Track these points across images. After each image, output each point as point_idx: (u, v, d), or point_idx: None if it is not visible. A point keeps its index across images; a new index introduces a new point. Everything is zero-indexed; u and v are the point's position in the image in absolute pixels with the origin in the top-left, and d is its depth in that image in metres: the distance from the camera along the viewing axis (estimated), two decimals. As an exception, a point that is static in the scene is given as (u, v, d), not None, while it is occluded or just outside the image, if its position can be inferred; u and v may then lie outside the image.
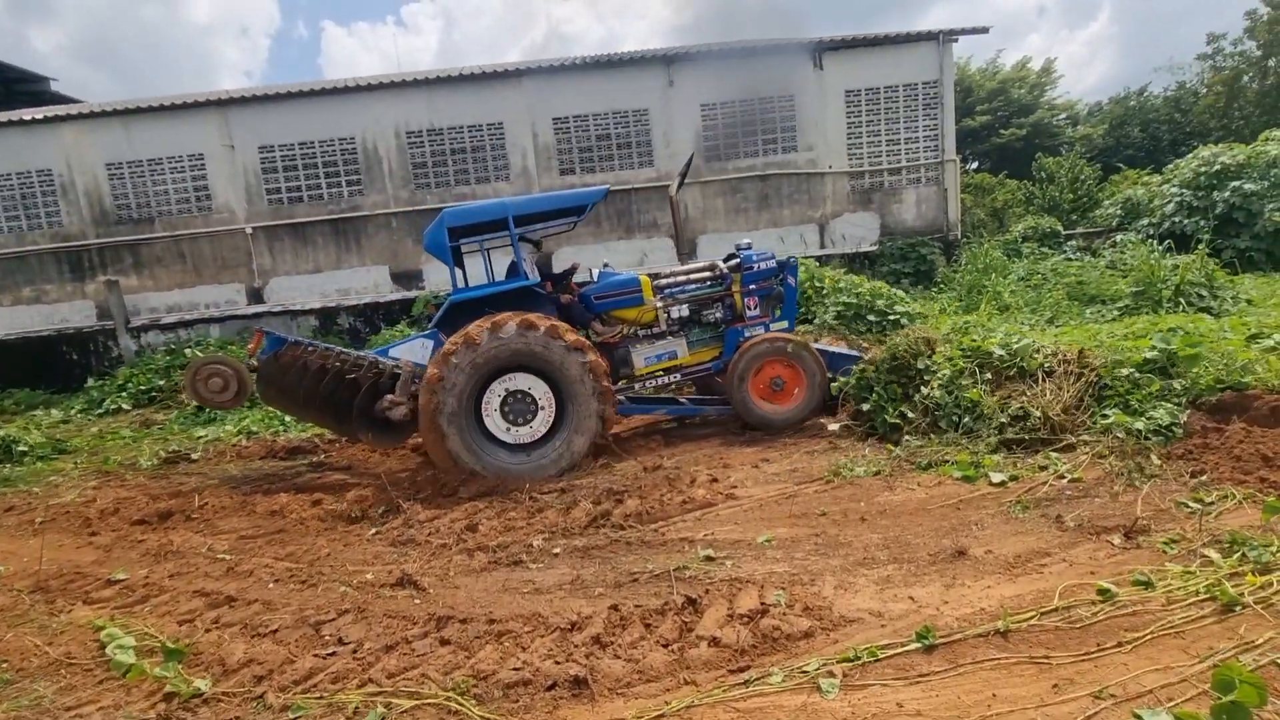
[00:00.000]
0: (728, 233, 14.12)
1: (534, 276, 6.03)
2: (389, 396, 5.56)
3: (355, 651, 2.93)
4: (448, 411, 5.12)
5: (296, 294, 14.05)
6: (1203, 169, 12.91)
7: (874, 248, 13.82)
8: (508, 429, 5.34)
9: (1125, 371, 4.75)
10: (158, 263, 13.94)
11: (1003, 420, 4.74)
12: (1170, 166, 14.39)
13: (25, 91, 22.65)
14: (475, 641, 2.90)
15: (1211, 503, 3.50)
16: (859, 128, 14.04)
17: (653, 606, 3.02)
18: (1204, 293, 8.17)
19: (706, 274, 6.40)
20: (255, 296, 14.05)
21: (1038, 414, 4.65)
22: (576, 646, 2.75)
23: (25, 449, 7.86)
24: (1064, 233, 14.25)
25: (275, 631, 3.22)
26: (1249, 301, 8.28)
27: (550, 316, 5.45)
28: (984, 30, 13.90)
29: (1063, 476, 4.07)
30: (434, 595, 3.43)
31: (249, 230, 13.86)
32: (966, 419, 4.93)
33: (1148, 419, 4.37)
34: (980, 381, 5.17)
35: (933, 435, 4.95)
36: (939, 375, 5.41)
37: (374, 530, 4.47)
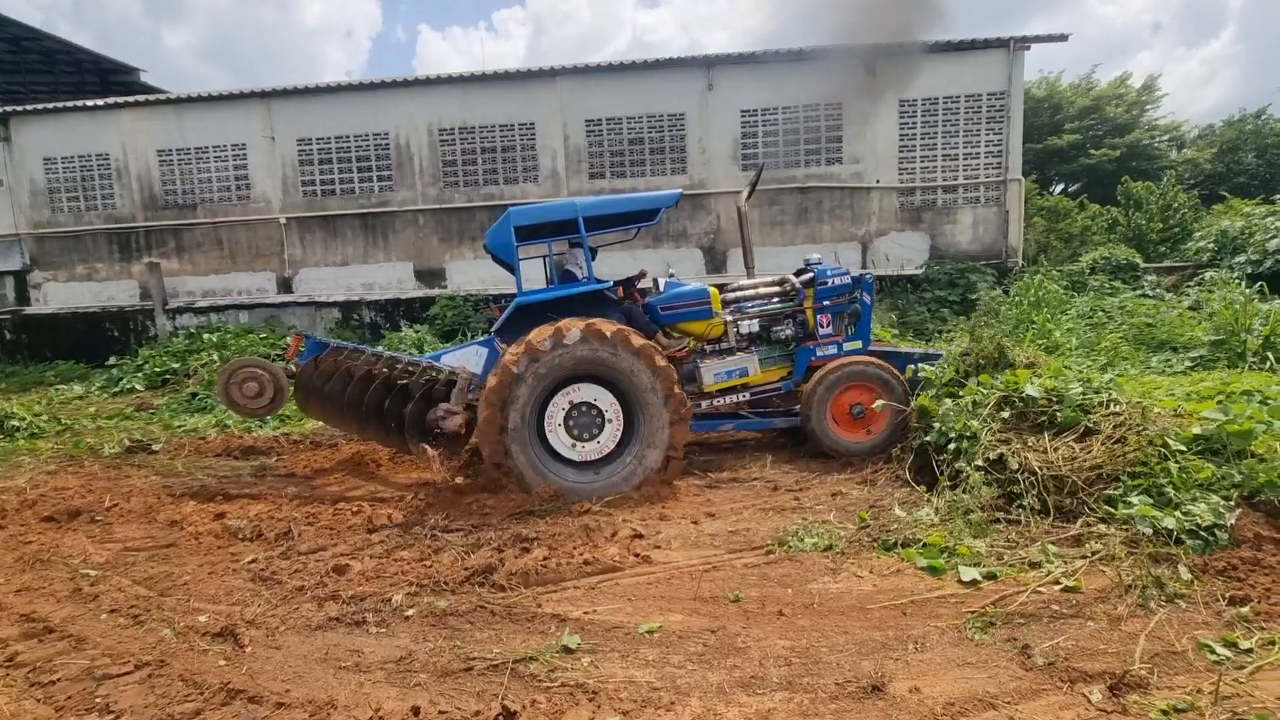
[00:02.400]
0: (761, 246, 13.25)
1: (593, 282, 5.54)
2: (443, 405, 5.18)
3: (109, 727, 2.45)
4: (510, 426, 4.67)
5: (323, 285, 14.15)
6: (1317, 201, 11.12)
7: (920, 270, 12.66)
8: (573, 444, 4.88)
9: (1166, 445, 3.76)
10: (197, 248, 14.34)
11: (991, 477, 3.86)
12: (1278, 196, 12.55)
13: (119, 82, 24.18)
14: (237, 735, 2.36)
15: (1248, 649, 2.57)
16: (913, 140, 12.94)
17: (459, 716, 2.39)
18: (1300, 348, 6.82)
19: (777, 288, 6.05)
20: (284, 286, 14.23)
21: (1042, 475, 3.75)
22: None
23: (18, 425, 7.97)
24: (1143, 265, 12.64)
25: (55, 683, 2.78)
26: (1357, 362, 6.86)
27: (617, 323, 5.02)
28: (1062, 38, 12.54)
29: (1057, 582, 3.18)
30: (247, 656, 2.92)
31: (283, 220, 14.06)
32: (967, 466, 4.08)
33: (1183, 514, 3.40)
34: (995, 422, 4.26)
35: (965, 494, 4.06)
36: (949, 409, 4.57)
37: (251, 558, 4.02)
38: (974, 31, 12.64)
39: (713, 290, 5.79)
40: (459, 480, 5.10)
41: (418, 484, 5.57)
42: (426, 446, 5.11)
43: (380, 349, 5.67)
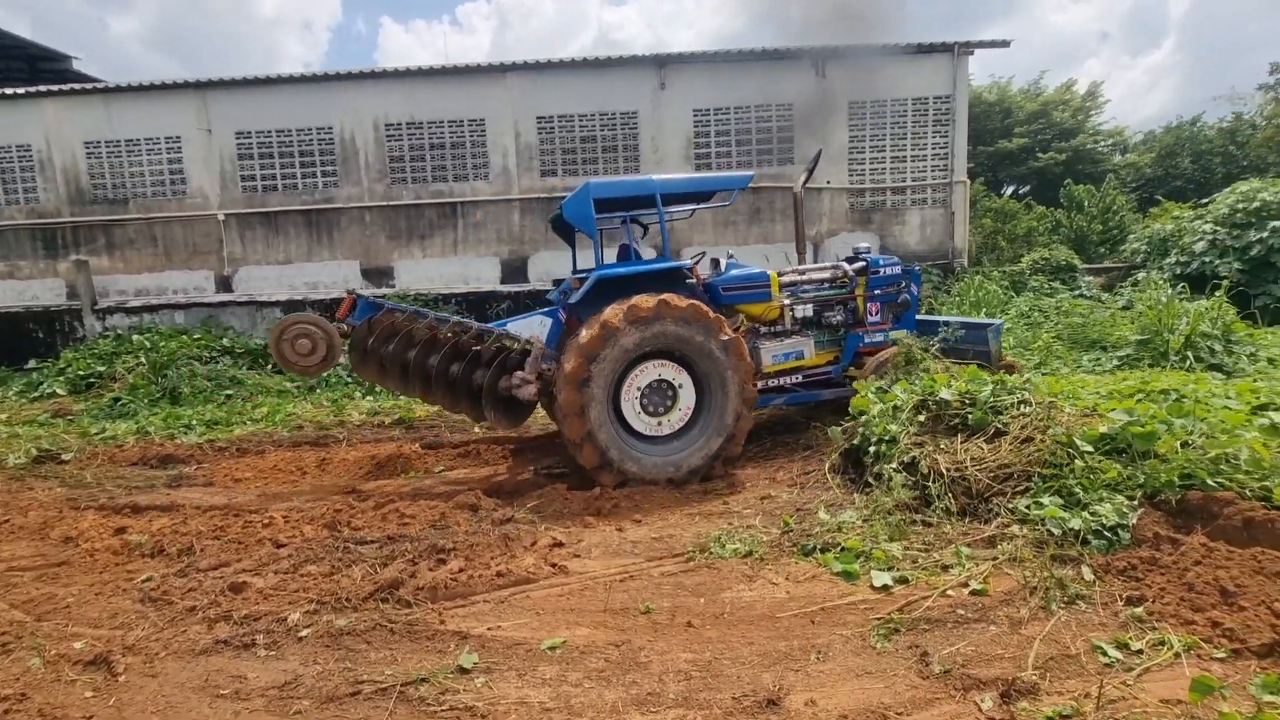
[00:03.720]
0: (715, 246, 13.28)
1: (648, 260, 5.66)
2: (519, 374, 5.12)
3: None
4: (595, 404, 4.79)
5: (265, 284, 13.67)
6: (1240, 204, 11.63)
7: (868, 271, 12.81)
8: (646, 420, 5.08)
9: (1074, 445, 3.82)
10: (129, 245, 13.69)
11: (904, 480, 3.88)
12: (1207, 201, 13.10)
13: (49, 70, 22.94)
14: (87, 777, 2.18)
15: (1138, 651, 2.60)
16: (862, 142, 13.10)
17: (335, 746, 2.26)
18: (1217, 346, 7.08)
19: (830, 275, 6.23)
20: (224, 285, 13.70)
21: (949, 477, 3.78)
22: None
23: (-82, 434, 7.47)
24: (1081, 266, 13.04)
25: (-103, 723, 2.55)
26: (1270, 361, 7.16)
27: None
28: (1004, 44, 12.85)
29: (966, 585, 3.19)
30: (118, 686, 2.73)
31: (221, 217, 13.52)
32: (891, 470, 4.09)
33: (1089, 515, 3.45)
34: (913, 425, 4.30)
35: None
36: (872, 413, 4.60)
37: (146, 577, 3.80)
38: (924, 36, 12.84)
39: (772, 274, 5.92)
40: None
41: (345, 491, 5.39)
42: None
43: (444, 314, 5.59)
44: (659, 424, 5.12)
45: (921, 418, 4.32)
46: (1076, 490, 3.63)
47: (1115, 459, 3.75)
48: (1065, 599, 2.99)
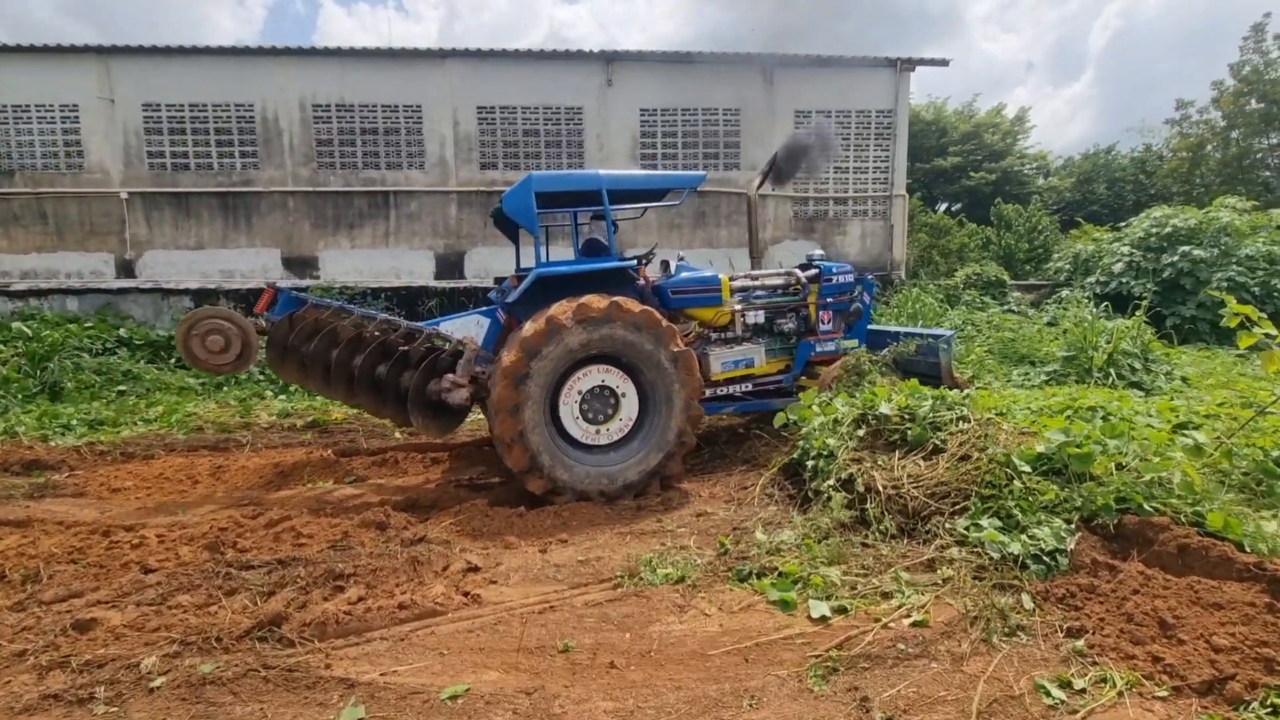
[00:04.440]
0: (661, 249, 13.07)
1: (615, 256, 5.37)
2: (449, 377, 4.79)
3: None
4: (531, 402, 4.45)
5: (173, 270, 12.59)
6: (1154, 229, 12.30)
7: (809, 280, 12.90)
8: (584, 427, 4.77)
9: (1012, 464, 3.74)
10: (15, 221, 12.36)
11: (843, 498, 3.71)
12: (1124, 225, 13.81)
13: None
14: None
15: (1082, 690, 2.47)
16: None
17: (168, 838, 1.84)
18: (1137, 365, 7.34)
19: (783, 281, 6.05)
20: (125, 269, 12.54)
21: (885, 495, 3.63)
22: None
23: None
24: (1009, 282, 13.51)
25: None
26: (1184, 379, 7.47)
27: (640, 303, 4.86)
28: (943, 62, 13.18)
29: (908, 614, 3.01)
30: (-96, 760, 2.21)
31: (124, 195, 12.38)
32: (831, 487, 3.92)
33: (1028, 539, 3.35)
34: (852, 440, 4.15)
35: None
36: (812, 426, 4.43)
37: (-25, 610, 3.21)
38: (868, 52, 13.06)
39: (724, 278, 5.72)
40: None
41: (239, 504, 4.83)
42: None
43: (372, 310, 5.15)
44: (597, 432, 4.83)
45: (861, 432, 4.17)
46: (1015, 512, 3.53)
47: (1052, 479, 3.68)
48: (1006, 630, 2.85)
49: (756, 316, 5.88)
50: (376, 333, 5.03)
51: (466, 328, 5.26)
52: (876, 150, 13.24)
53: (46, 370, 8.47)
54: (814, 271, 6.07)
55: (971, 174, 28.83)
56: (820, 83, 13.04)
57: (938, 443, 4.05)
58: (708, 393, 5.50)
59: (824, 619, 3.02)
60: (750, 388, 5.82)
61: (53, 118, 12.20)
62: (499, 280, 6.12)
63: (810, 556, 3.55)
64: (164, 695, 2.53)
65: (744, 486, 4.80)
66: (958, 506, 3.70)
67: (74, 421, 7.10)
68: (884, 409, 4.21)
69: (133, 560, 3.74)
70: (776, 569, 3.45)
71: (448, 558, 3.69)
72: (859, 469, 4.04)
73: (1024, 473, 3.69)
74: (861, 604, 3.13)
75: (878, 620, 2.97)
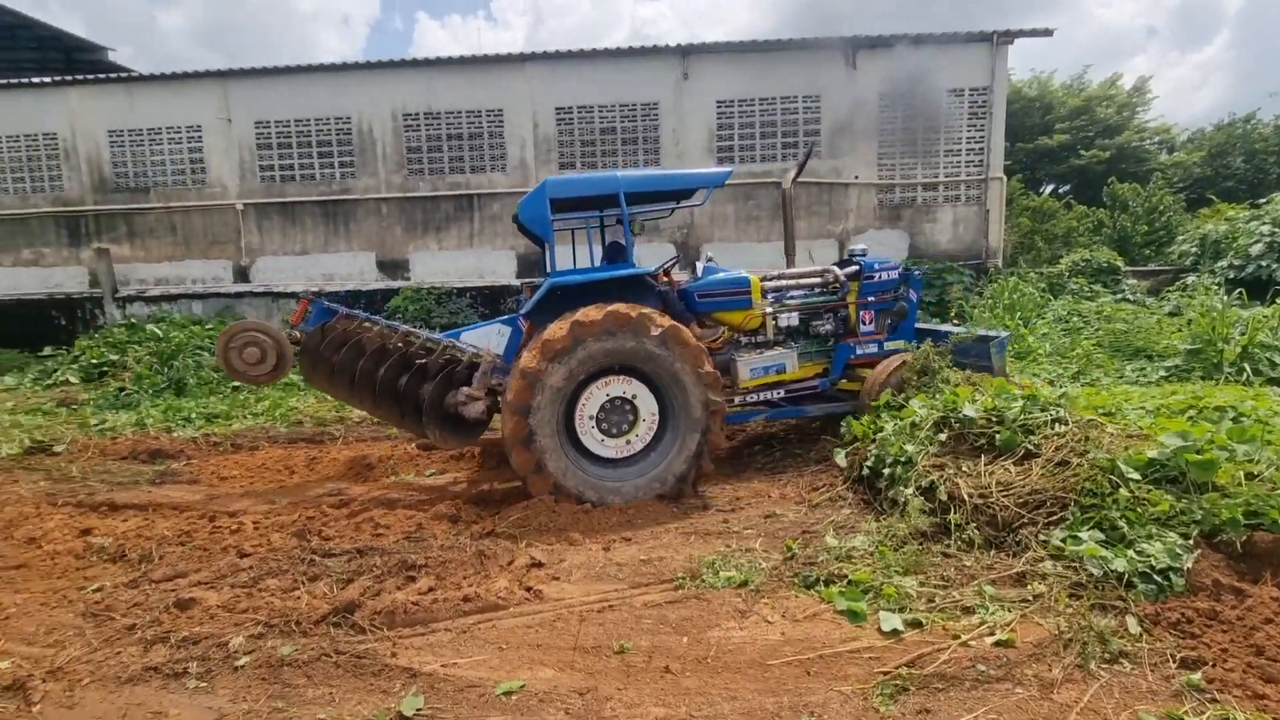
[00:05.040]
0: (736, 243, 12.88)
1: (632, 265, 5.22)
2: (465, 390, 4.82)
3: None
4: (542, 415, 4.33)
5: (282, 275, 13.63)
6: (1304, 206, 10.80)
7: (895, 271, 12.26)
8: (602, 440, 4.58)
9: (1118, 471, 3.36)
10: (150, 234, 13.77)
11: (922, 505, 3.47)
12: (1265, 201, 12.23)
13: (85, 60, 23.35)
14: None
15: (1196, 731, 2.17)
16: (892, 135, 12.52)
17: (238, 811, 1.95)
18: (1277, 359, 6.46)
19: (820, 280, 5.65)
20: (241, 275, 13.70)
21: (970, 504, 3.36)
22: None
23: (-75, 420, 7.47)
24: (1124, 269, 12.28)
25: None
26: (1340, 376, 6.50)
27: (662, 312, 4.67)
28: (1046, 33, 12.14)
29: (991, 632, 2.77)
30: (30, 717, 2.47)
31: (240, 207, 13.51)
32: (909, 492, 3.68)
33: (1136, 554, 3.00)
34: (932, 445, 3.88)
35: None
36: (887, 431, 4.19)
37: (97, 586, 3.57)
38: (962, 25, 12.22)
39: (754, 279, 5.45)
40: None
41: (328, 494, 5.14)
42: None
43: (396, 322, 5.35)
44: (614, 444, 4.64)
45: (942, 436, 3.89)
46: (1120, 524, 3.18)
47: (1166, 489, 3.29)
48: (1106, 656, 2.56)
49: (790, 319, 5.53)
50: (399, 344, 5.09)
51: (488, 337, 5.24)
52: (971, 130, 12.39)
53: (172, 368, 9.37)
54: (854, 269, 5.65)
55: (1081, 152, 26.52)
56: (909, 62, 12.35)
57: (1030, 447, 3.71)
58: (736, 401, 5.27)
59: (895, 633, 2.82)
60: (783, 394, 5.47)
61: (180, 139, 13.48)
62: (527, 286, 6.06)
63: (884, 565, 3.34)
64: (246, 674, 2.71)
65: (815, 488, 4.60)
66: (1053, 517, 3.38)
67: (194, 415, 7.81)
68: (968, 411, 3.91)
69: (231, 545, 4.04)
70: (846, 576, 3.27)
71: (513, 552, 3.75)
72: (940, 476, 3.77)
73: (1132, 480, 3.31)
74: (939, 618, 2.90)
75: (956, 637, 2.75)
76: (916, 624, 2.88)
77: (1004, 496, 3.53)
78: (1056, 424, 3.69)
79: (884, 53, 12.52)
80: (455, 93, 13.07)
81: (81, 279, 13.85)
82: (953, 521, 3.56)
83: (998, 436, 3.81)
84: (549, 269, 4.95)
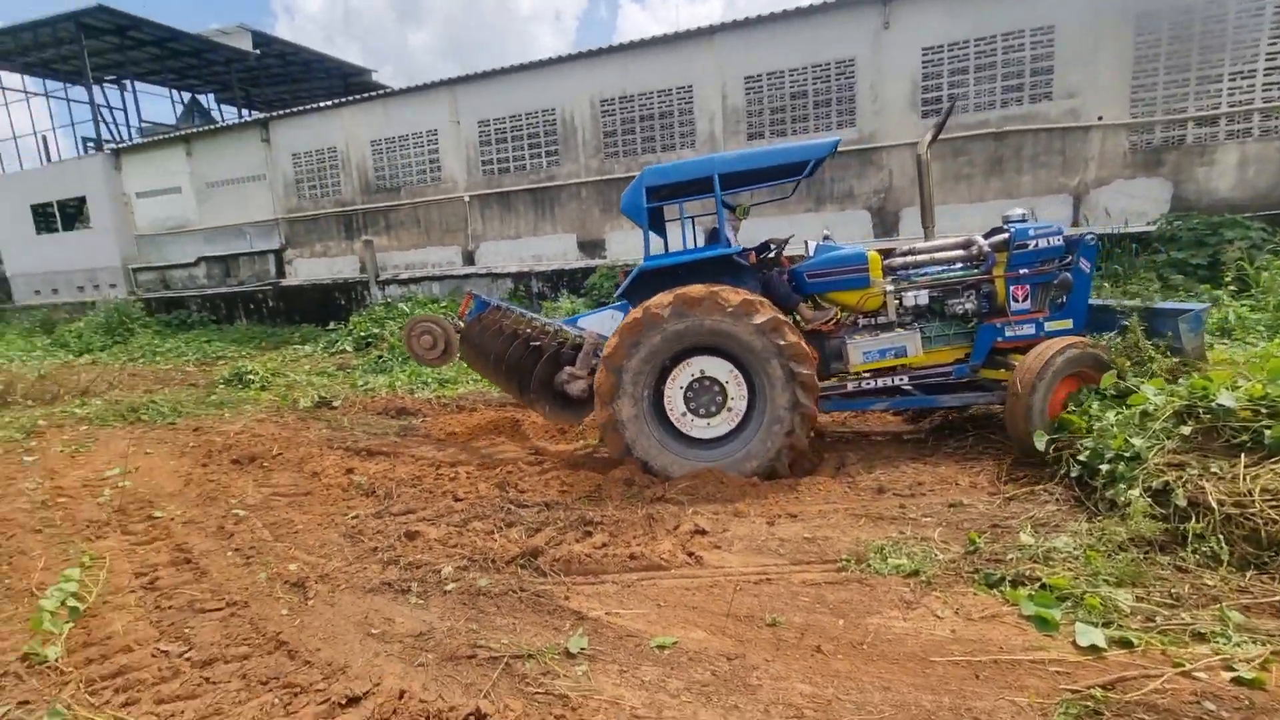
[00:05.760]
0: (943, 204, 11.60)
1: (735, 244, 5.45)
2: (568, 369, 5.43)
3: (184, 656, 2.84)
4: (625, 394, 4.66)
5: (499, 258, 15.30)
6: None
7: (1152, 226, 10.13)
8: (690, 419, 4.75)
9: None
10: (401, 226, 16.28)
11: (1148, 507, 2.93)
12: None
13: (355, 83, 28.21)
14: (260, 688, 2.59)
15: None
16: (1153, 61, 10.28)
17: (437, 707, 2.37)
18: None
19: (958, 253, 5.09)
20: (468, 259, 15.64)
21: (1220, 514, 2.76)
22: (305, 737, 2.26)
23: (253, 378, 9.78)
24: None
25: (168, 609, 3.30)
26: None
27: (749, 291, 4.78)
28: None
29: (1229, 667, 2.31)
30: (306, 609, 3.21)
31: (466, 198, 15.38)
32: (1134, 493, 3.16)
33: None
34: (1171, 440, 3.26)
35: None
36: (1109, 421, 3.62)
37: (355, 514, 4.45)
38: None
39: (872, 255, 5.07)
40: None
41: (529, 453, 5.77)
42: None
43: (525, 310, 6.08)
44: (701, 424, 4.71)
45: (1185, 429, 3.23)
46: None
47: None
48: (1405, 721, 1.99)
49: (917, 297, 4.99)
50: (527, 330, 5.71)
51: (603, 323, 5.55)
52: (1271, 43, 9.70)
53: (415, 340, 11.11)
54: (1001, 237, 4.88)
55: None
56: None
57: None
58: (850, 386, 4.97)
59: (1094, 649, 2.47)
60: (907, 380, 4.97)
61: (422, 142, 15.67)
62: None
63: (1090, 572, 2.91)
64: (452, 597, 3.22)
65: (1013, 479, 4.11)
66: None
67: (430, 380, 9.21)
68: (1224, 400, 3.18)
69: (448, 490, 4.76)
70: (1040, 579, 2.91)
71: (679, 518, 3.92)
72: (1179, 476, 3.15)
73: None
74: (1158, 641, 2.48)
75: (1178, 665, 2.33)
76: (1125, 643, 2.49)
77: (1272, 508, 2.86)
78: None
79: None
80: (647, 74, 13.43)
81: (354, 266, 16.90)
82: (1191, 531, 2.97)
83: (1268, 433, 3.07)
84: (645, 254, 4.99)
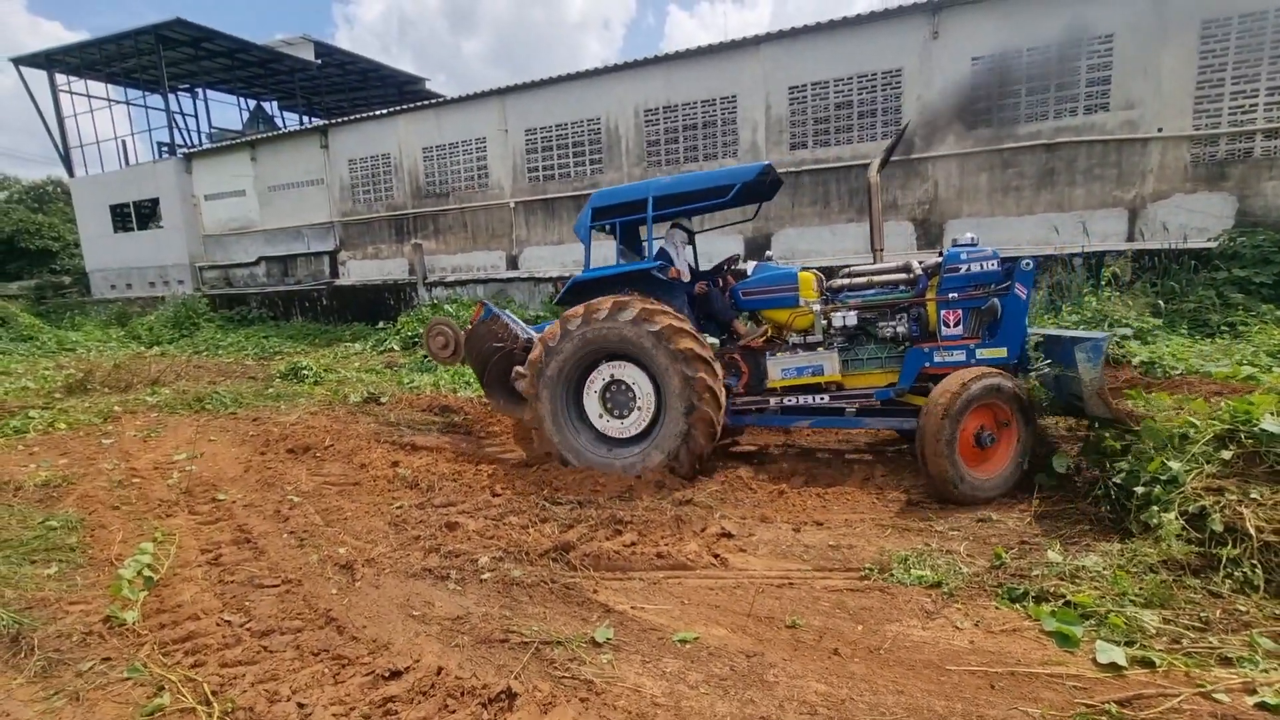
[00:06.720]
0: (990, 217, 11.45)
1: (681, 264, 5.96)
2: (517, 368, 5.93)
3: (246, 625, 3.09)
4: (544, 396, 5.19)
5: (542, 263, 15.64)
6: None
7: (1213, 243, 9.75)
8: (605, 420, 5.18)
9: None
10: (449, 230, 16.80)
11: (1182, 529, 2.91)
12: None
13: (410, 91, 29.19)
14: (311, 658, 2.81)
15: None
16: (1219, 70, 9.92)
17: (471, 684, 2.54)
18: None
19: (899, 275, 5.15)
20: (512, 263, 16.03)
21: (1259, 540, 2.72)
22: (352, 708, 2.45)
23: (307, 373, 10.27)
24: None
25: (230, 583, 3.58)
26: None
27: (658, 302, 5.04)
28: None
29: (1252, 690, 2.30)
30: (353, 590, 3.44)
31: (512, 204, 15.79)
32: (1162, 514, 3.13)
33: None
34: (1210, 464, 3.22)
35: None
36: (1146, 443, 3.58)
37: (399, 504, 4.69)
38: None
39: (804, 276, 5.19)
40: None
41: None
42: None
43: (517, 320, 6.52)
44: (611, 423, 5.15)
45: (1225, 454, 3.18)
46: None
47: None
48: None
49: (846, 318, 5.05)
50: (504, 335, 6.26)
51: None
52: (1352, 53, 9.25)
53: (460, 340, 11.48)
54: (934, 261, 4.85)
55: None
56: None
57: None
58: (772, 402, 5.15)
59: (1115, 667, 2.48)
60: (826, 400, 5.04)
61: (471, 149, 16.16)
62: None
63: (1118, 591, 2.91)
64: (488, 585, 3.40)
65: (1044, 496, 4.08)
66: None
67: (472, 380, 9.51)
68: (1268, 425, 3.13)
69: (486, 485, 4.98)
70: (1064, 596, 2.93)
71: (707, 521, 4.03)
72: (1216, 501, 3.10)
73: None
74: (1181, 662, 2.48)
75: (1199, 687, 2.33)
76: (1146, 663, 2.49)
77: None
78: None
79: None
80: (691, 84, 13.58)
81: (404, 268, 17.50)
82: (1226, 556, 2.94)
83: (1312, 457, 3.01)
84: (585, 268, 5.53)
